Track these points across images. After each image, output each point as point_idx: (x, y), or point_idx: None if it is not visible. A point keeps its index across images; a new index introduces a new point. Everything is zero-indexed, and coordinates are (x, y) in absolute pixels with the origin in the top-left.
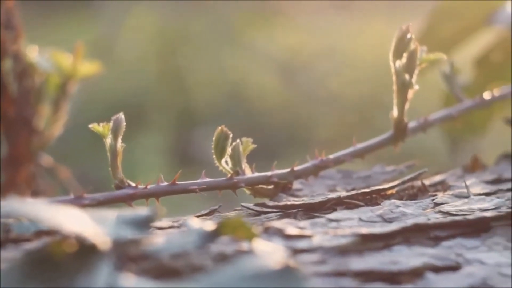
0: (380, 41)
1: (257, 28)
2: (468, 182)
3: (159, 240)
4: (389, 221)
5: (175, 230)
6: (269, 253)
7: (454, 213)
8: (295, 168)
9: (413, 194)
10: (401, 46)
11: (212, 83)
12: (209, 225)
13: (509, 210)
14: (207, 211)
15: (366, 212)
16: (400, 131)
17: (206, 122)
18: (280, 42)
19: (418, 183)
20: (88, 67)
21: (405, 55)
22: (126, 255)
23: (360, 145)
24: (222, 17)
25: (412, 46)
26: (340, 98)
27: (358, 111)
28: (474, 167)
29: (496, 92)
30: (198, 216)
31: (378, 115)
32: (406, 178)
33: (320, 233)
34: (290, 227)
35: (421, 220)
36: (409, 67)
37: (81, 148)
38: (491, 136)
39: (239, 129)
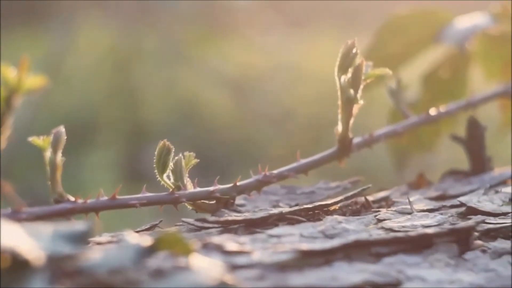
0: (332, 58)
1: (208, 45)
2: (412, 199)
3: (95, 255)
4: (331, 237)
5: (113, 246)
6: (205, 269)
7: (397, 229)
8: (238, 183)
9: (356, 210)
10: (346, 61)
11: (163, 100)
12: (146, 240)
13: (452, 226)
14: (148, 226)
15: (307, 228)
16: (345, 146)
17: (156, 138)
18: (232, 59)
19: (362, 199)
20: (33, 81)
21: (350, 70)
22: (61, 270)
23: (304, 161)
24: (174, 35)
25: (358, 61)
26: (291, 115)
27: (309, 128)
28: (419, 183)
29: (442, 108)
30: (138, 231)
31: (330, 131)
32: (349, 194)
33: (260, 249)
34: (230, 242)
35: (363, 236)
36: (354, 83)
37: (28, 162)
38: (447, 152)
39: (189, 145)
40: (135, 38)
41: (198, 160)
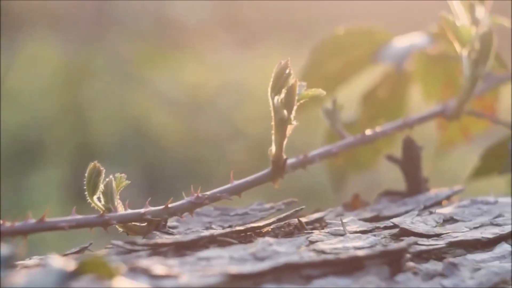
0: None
1: (158, 63)
2: (346, 220)
3: (19, 279)
4: (261, 259)
5: (37, 269)
6: None
7: (328, 251)
8: (170, 205)
9: (289, 231)
10: (280, 82)
11: (112, 119)
12: (70, 264)
13: (383, 248)
14: (77, 248)
15: (238, 250)
16: (279, 167)
17: (104, 157)
18: (182, 77)
19: (295, 220)
20: None
21: (283, 91)
22: None
23: (237, 182)
24: (124, 52)
25: (291, 82)
26: (243, 134)
27: (258, 146)
28: (354, 204)
29: (378, 128)
30: (66, 254)
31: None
32: (282, 215)
33: (189, 271)
34: (157, 266)
35: (293, 258)
36: (288, 103)
37: None
38: (396, 171)
39: (138, 165)
40: (84, 55)
41: (129, 182)
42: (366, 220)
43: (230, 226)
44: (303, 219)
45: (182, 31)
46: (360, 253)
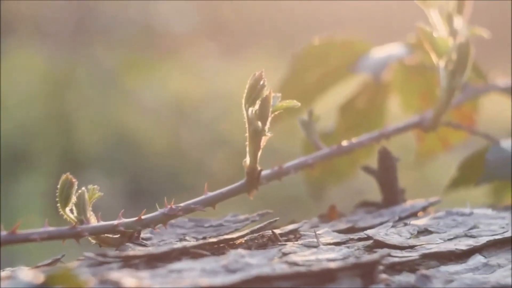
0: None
1: (144, 72)
2: (321, 231)
3: None
4: (233, 271)
5: (6, 282)
6: None
7: (301, 263)
8: (143, 217)
9: (263, 243)
10: (254, 93)
11: (97, 127)
12: (39, 277)
13: (356, 260)
14: (50, 260)
15: (210, 262)
16: (253, 179)
17: (90, 165)
18: (167, 85)
19: (269, 232)
20: None
21: (258, 102)
22: None
23: (211, 194)
24: (110, 60)
25: (265, 93)
26: (227, 142)
27: (243, 154)
28: (330, 215)
29: (355, 139)
30: (38, 266)
31: (267, 158)
32: (255, 227)
33: (160, 284)
34: (127, 278)
35: (265, 270)
36: (262, 115)
37: None
38: None
39: (123, 173)
40: (69, 63)
41: (102, 194)
42: (340, 231)
43: (204, 238)
44: (278, 231)
45: (167, 40)
46: (333, 265)
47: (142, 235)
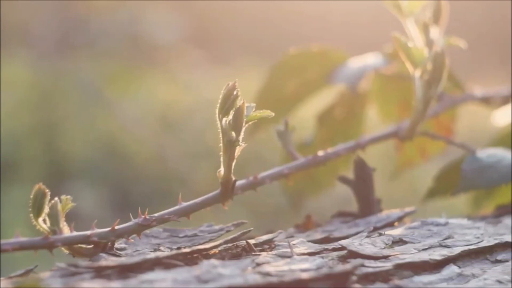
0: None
1: (131, 82)
2: (295, 241)
3: None
4: (205, 282)
5: None
6: None
7: (273, 273)
8: (116, 227)
9: (237, 253)
10: (228, 103)
11: (85, 137)
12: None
13: (328, 271)
14: (23, 271)
15: (182, 272)
16: (228, 189)
17: (77, 175)
18: (156, 95)
19: (243, 242)
20: None
21: (232, 112)
22: None
23: (185, 204)
24: (98, 70)
25: (239, 103)
26: (214, 152)
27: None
28: (306, 225)
29: (331, 149)
30: (10, 277)
31: (255, 167)
32: (229, 237)
33: None
34: None
35: (238, 281)
36: (236, 125)
37: None
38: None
39: (111, 182)
40: (56, 73)
41: (75, 204)
42: (315, 241)
43: (178, 248)
44: (252, 241)
45: (154, 50)
46: (305, 275)
47: (117, 245)
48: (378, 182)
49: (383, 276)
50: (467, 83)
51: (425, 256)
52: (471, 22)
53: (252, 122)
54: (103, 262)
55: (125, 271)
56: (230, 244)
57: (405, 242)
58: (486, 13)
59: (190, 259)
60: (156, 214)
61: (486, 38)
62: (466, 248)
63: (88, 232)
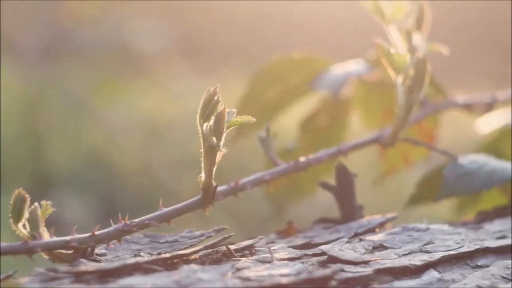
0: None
1: (118, 91)
2: (276, 247)
3: None
4: (185, 286)
5: None
6: None
7: (253, 278)
8: (96, 233)
9: (217, 259)
10: (208, 108)
11: (69, 146)
12: None
13: (308, 276)
14: (2, 276)
15: (162, 277)
16: (209, 195)
17: (62, 184)
18: (141, 105)
19: (224, 248)
20: None
21: (212, 117)
22: None
23: (166, 209)
24: (83, 79)
25: (220, 108)
26: (201, 161)
27: (219, 173)
28: (288, 231)
29: (313, 155)
30: None
31: (238, 174)
32: (209, 243)
33: None
34: None
35: (217, 285)
36: (217, 130)
37: None
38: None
39: (96, 191)
40: (41, 82)
41: (55, 209)
42: (296, 247)
43: (158, 254)
44: (233, 246)
45: (140, 59)
46: (285, 280)
47: (97, 251)
48: (362, 189)
49: (363, 281)
50: (450, 89)
51: (405, 261)
52: (458, 27)
53: (234, 128)
54: (83, 267)
55: (105, 276)
56: (210, 250)
57: (386, 248)
58: (474, 18)
59: (170, 264)
60: (136, 220)
61: (480, 41)
62: (447, 253)
63: (67, 238)
